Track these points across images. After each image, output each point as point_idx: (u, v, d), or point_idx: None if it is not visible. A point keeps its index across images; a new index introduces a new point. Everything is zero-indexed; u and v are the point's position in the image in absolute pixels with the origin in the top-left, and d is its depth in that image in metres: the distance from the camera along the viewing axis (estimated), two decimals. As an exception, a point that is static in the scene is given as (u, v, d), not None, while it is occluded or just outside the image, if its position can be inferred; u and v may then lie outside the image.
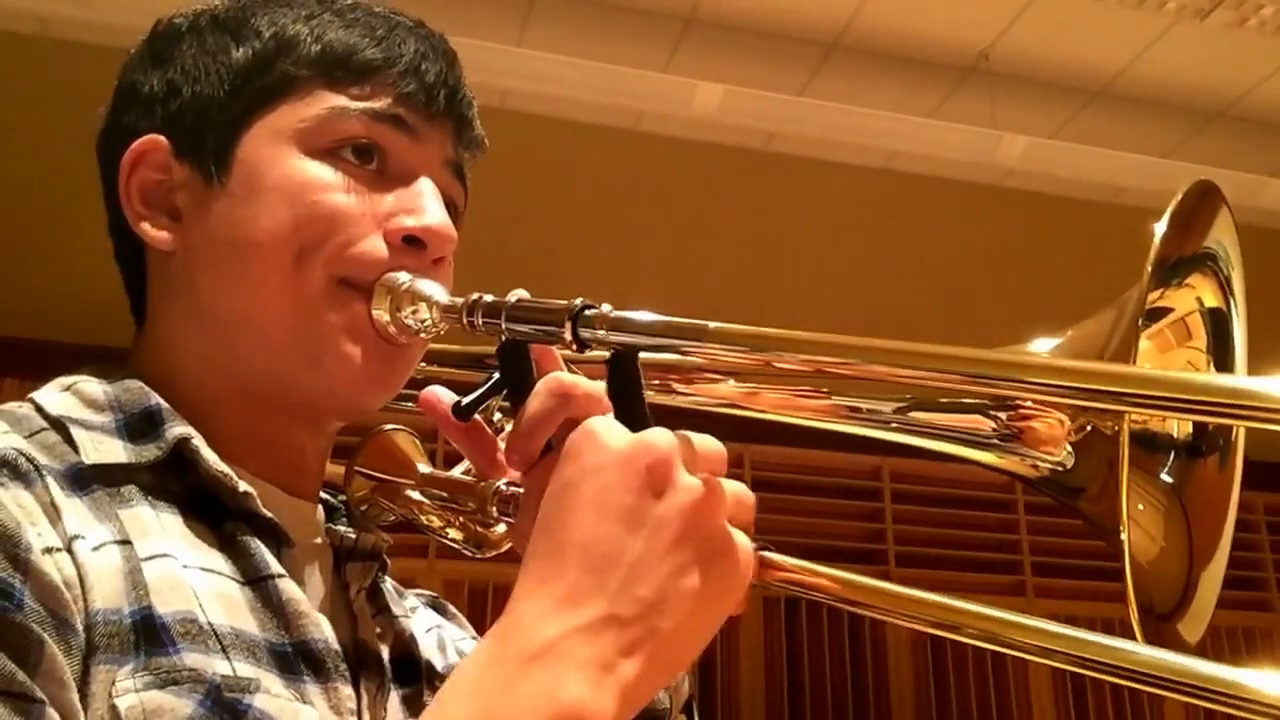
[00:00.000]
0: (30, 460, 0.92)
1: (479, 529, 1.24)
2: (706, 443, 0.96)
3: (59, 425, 0.99)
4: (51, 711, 0.80)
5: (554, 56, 4.52)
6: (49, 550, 0.87)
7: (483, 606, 5.04)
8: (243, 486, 1.02)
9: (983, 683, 5.89)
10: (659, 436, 0.91)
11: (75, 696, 0.83)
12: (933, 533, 6.09)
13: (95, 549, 0.90)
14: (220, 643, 0.92)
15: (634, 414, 0.97)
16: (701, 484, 0.90)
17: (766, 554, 0.95)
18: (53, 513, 0.90)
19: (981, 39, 4.53)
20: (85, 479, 0.95)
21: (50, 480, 0.92)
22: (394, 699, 1.10)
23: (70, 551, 0.89)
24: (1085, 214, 5.21)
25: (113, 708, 0.84)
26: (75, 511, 0.92)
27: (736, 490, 0.95)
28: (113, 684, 0.85)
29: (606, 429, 0.92)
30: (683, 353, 0.98)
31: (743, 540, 0.92)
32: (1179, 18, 4.33)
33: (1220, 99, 4.81)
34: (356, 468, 1.27)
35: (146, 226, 1.11)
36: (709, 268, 5.43)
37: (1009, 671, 5.82)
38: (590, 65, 4.58)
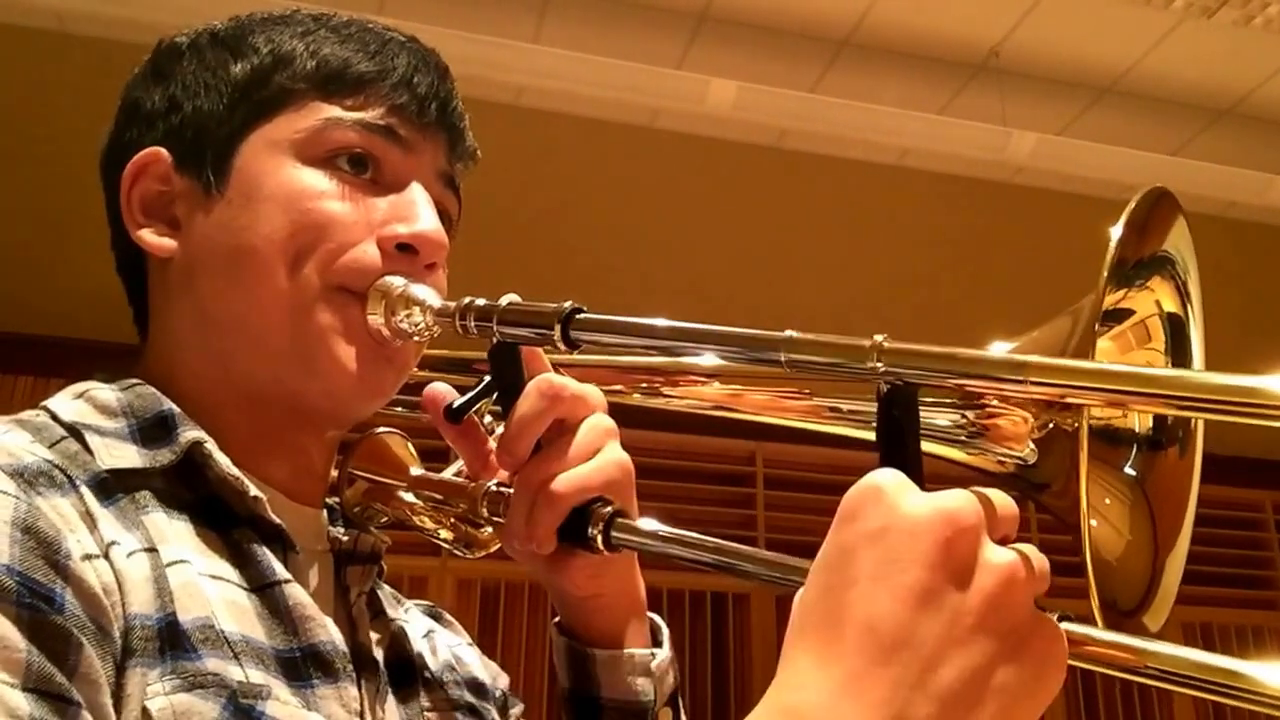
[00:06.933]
0: (62, 470, 0.94)
1: (469, 529, 1.25)
2: (1002, 503, 0.83)
3: (75, 432, 1.01)
4: (86, 714, 0.82)
5: (569, 53, 4.53)
6: (88, 557, 0.89)
7: (495, 605, 5.04)
8: (254, 491, 1.04)
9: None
10: (961, 502, 0.79)
11: (109, 700, 0.85)
12: (945, 529, 6.08)
13: (128, 556, 0.93)
14: (232, 650, 0.94)
15: (908, 460, 0.85)
16: (1008, 561, 0.79)
17: (1069, 626, 0.81)
18: (89, 520, 0.92)
19: (992, 36, 4.53)
20: (109, 487, 0.97)
21: (84, 489, 0.95)
22: (390, 700, 1.12)
23: (108, 558, 0.91)
24: (1094, 210, 5.18)
25: (145, 710, 0.86)
26: (107, 520, 0.94)
27: (1037, 560, 0.82)
28: (145, 687, 0.87)
29: (897, 487, 0.80)
30: (675, 354, 0.99)
31: (1054, 622, 0.80)
32: (1186, 15, 4.33)
33: (1227, 96, 4.80)
34: (350, 470, 1.28)
35: (146, 234, 1.14)
36: (722, 263, 5.44)
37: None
38: (605, 62, 4.58)
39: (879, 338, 0.86)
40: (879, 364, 0.86)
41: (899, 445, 0.85)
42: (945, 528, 0.77)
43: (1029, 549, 0.81)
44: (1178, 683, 0.77)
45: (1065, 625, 0.80)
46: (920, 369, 0.85)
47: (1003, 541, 0.80)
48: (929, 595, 0.76)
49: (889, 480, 0.80)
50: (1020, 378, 0.80)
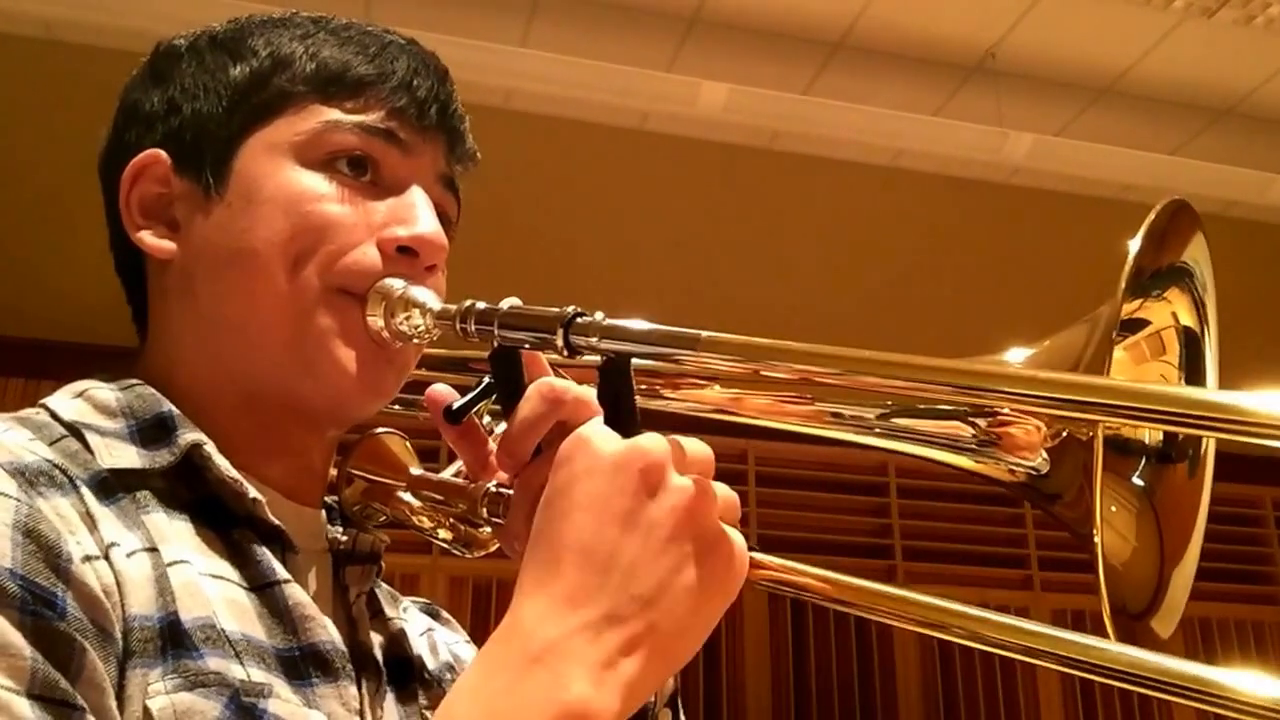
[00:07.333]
0: (63, 470, 0.94)
1: (469, 530, 1.25)
2: (695, 446, 0.98)
3: (75, 431, 1.01)
4: (90, 719, 0.82)
5: (558, 56, 4.53)
6: (88, 559, 0.89)
7: (487, 602, 5.05)
8: (253, 493, 1.04)
9: (990, 680, 5.90)
10: (650, 441, 0.93)
11: (113, 703, 0.86)
12: (940, 528, 6.10)
13: (129, 556, 0.93)
14: (234, 649, 0.94)
15: (625, 419, 0.99)
16: (692, 484, 0.93)
17: (752, 554, 0.96)
18: (89, 521, 0.93)
19: (988, 37, 4.53)
20: (110, 487, 0.97)
21: (84, 489, 0.95)
22: (389, 699, 1.13)
23: (108, 559, 0.91)
24: (1092, 211, 5.21)
25: (146, 709, 0.87)
26: (107, 519, 0.94)
27: (723, 491, 0.97)
28: (146, 686, 0.88)
29: (598, 435, 0.94)
30: (675, 361, 0.99)
31: (735, 535, 0.95)
32: (1186, 15, 4.33)
33: (1227, 96, 4.80)
34: (349, 469, 1.28)
35: (145, 236, 1.13)
36: (714, 266, 5.44)
37: (1017, 671, 5.83)
38: (594, 65, 4.58)
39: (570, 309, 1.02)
40: (593, 339, 1.00)
41: (615, 404, 1.01)
42: (637, 460, 0.92)
43: (720, 486, 0.97)
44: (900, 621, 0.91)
45: (755, 554, 0.96)
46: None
47: (700, 476, 0.95)
48: (629, 516, 0.90)
49: (593, 430, 0.95)
50: (692, 351, 0.96)
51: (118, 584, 0.90)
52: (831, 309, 5.37)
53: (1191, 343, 0.96)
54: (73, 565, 0.87)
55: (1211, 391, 0.79)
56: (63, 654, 0.82)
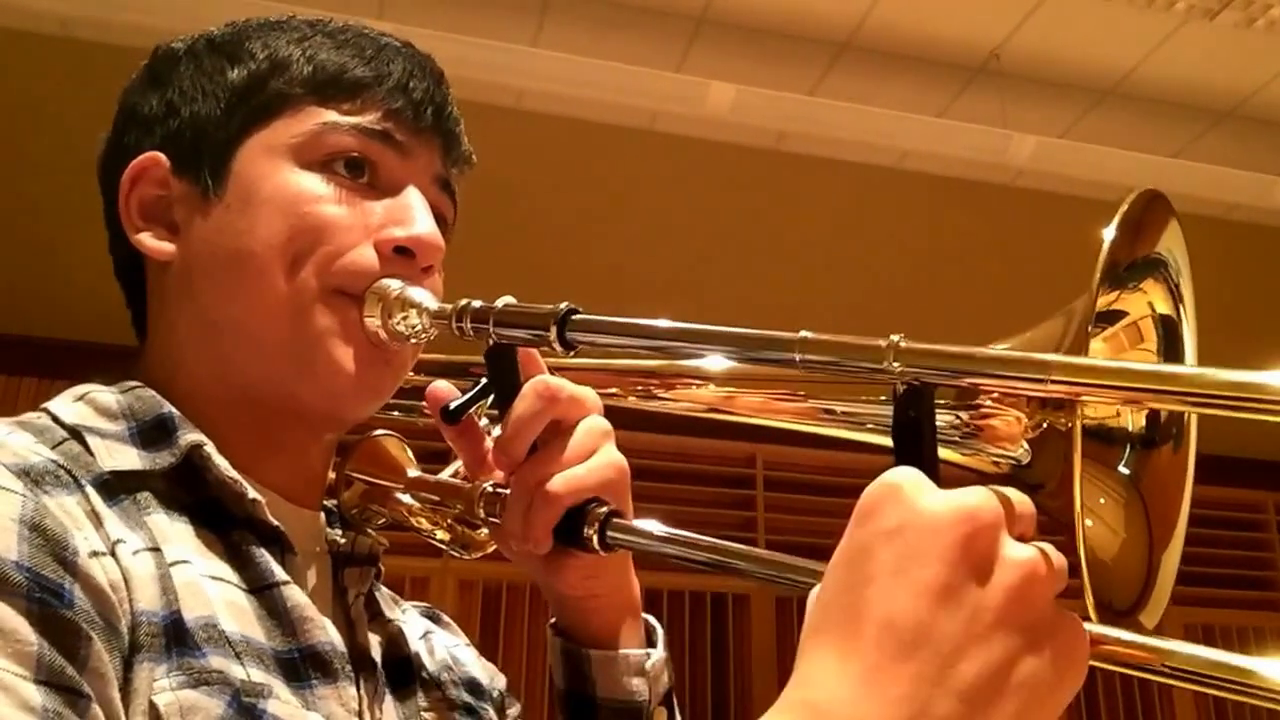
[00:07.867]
0: (68, 470, 0.95)
1: (466, 530, 1.26)
2: (1020, 500, 0.82)
3: (76, 434, 1.02)
4: (96, 708, 0.83)
5: (569, 57, 4.54)
6: (95, 554, 0.90)
7: (497, 606, 5.04)
8: (252, 494, 1.05)
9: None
10: (980, 499, 0.78)
11: (117, 694, 0.86)
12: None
13: (134, 554, 0.94)
14: (234, 649, 0.95)
15: (924, 461, 0.84)
16: (1029, 557, 0.78)
17: (1088, 626, 0.80)
18: (95, 519, 0.94)
19: (992, 39, 4.54)
20: (112, 488, 0.98)
21: (89, 489, 0.96)
22: (389, 700, 1.13)
23: (114, 555, 0.92)
24: (1096, 214, 5.19)
25: (152, 704, 0.87)
26: (112, 519, 0.95)
27: (1059, 560, 0.81)
28: (152, 682, 0.88)
29: (915, 485, 0.79)
30: (679, 356, 0.99)
31: (1072, 616, 0.79)
32: (1188, 18, 4.33)
33: (1229, 98, 4.80)
34: (347, 472, 1.29)
35: (144, 238, 1.15)
36: (720, 266, 5.44)
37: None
38: (605, 65, 4.59)
39: (895, 338, 0.86)
40: (895, 364, 0.85)
41: (915, 446, 0.85)
42: (964, 524, 0.76)
43: (1048, 546, 0.80)
44: (1192, 680, 0.77)
45: (1084, 625, 0.80)
46: (937, 369, 0.85)
47: (1021, 539, 0.79)
48: (948, 591, 0.75)
49: (907, 478, 0.80)
50: (1041, 376, 0.80)
51: (125, 580, 0.91)
52: (836, 309, 5.37)
53: (1170, 331, 0.96)
54: (79, 559, 0.87)
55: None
56: (69, 642, 0.83)
